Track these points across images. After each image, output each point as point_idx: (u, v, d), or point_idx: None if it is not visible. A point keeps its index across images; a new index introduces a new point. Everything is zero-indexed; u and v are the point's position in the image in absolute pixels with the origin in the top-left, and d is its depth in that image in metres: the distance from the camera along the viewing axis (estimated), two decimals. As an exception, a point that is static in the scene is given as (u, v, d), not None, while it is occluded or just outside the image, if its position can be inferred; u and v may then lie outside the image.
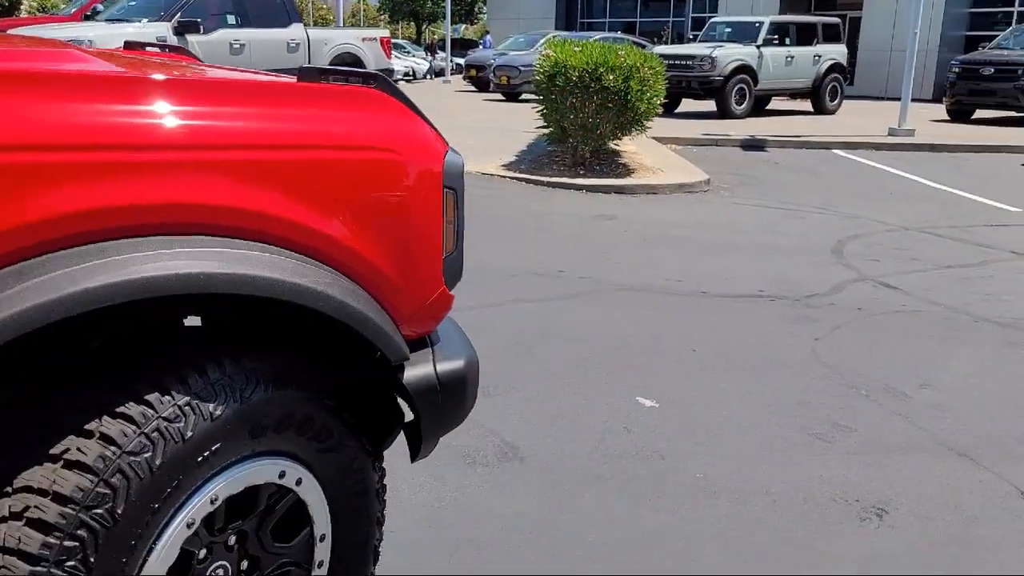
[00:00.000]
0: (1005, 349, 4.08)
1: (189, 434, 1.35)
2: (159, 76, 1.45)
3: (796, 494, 2.69)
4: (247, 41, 10.77)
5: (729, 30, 16.30)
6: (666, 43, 22.75)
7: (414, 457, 1.81)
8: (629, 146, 9.86)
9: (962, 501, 2.68)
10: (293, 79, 1.62)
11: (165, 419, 1.33)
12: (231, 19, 10.80)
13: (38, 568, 1.22)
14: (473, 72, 21.59)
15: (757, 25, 15.79)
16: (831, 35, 16.49)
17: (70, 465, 1.26)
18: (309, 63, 9.46)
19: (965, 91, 15.10)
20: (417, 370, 1.65)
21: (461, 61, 27.41)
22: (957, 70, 15.25)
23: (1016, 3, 22.05)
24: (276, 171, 1.48)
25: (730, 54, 15.02)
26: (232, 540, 1.51)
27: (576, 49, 8.20)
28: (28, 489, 1.25)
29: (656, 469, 2.81)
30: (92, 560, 1.26)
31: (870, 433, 3.13)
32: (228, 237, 1.42)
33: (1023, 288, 5.19)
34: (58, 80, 1.32)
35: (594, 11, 33.23)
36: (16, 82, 1.27)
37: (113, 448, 1.28)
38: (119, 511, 1.28)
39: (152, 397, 1.33)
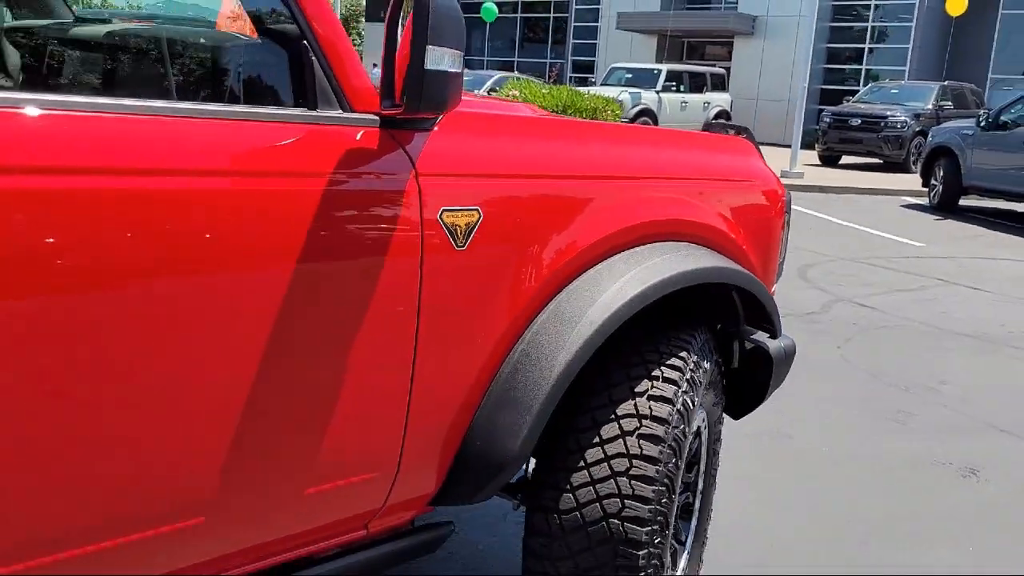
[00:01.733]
0: (984, 356, 5.01)
1: (700, 382, 1.89)
2: (652, 131, 2.00)
3: (903, 460, 3.40)
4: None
5: (629, 76, 17.49)
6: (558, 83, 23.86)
7: (739, 416, 2.38)
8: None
9: (1015, 460, 3.47)
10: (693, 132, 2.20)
11: (691, 369, 1.86)
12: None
13: (658, 467, 1.72)
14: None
15: (656, 72, 17.06)
16: (718, 84, 18.01)
17: (655, 399, 1.77)
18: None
19: (836, 139, 16.85)
20: (778, 343, 2.23)
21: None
22: (828, 120, 17.00)
23: (863, 63, 24.59)
24: (712, 194, 2.05)
25: (634, 98, 16.18)
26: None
27: (543, 91, 8.90)
28: (633, 415, 1.75)
29: (787, 444, 3.47)
30: (679, 463, 1.78)
31: (927, 417, 3.91)
32: (692, 243, 1.97)
33: (966, 307, 6.21)
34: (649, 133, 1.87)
35: (472, 50, 34.21)
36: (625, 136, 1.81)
37: (675, 387, 1.80)
38: (685, 430, 1.80)
39: (684, 354, 1.86)
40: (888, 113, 16.34)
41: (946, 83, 17.91)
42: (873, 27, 24.39)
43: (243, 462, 1.34)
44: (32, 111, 1.11)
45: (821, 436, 3.60)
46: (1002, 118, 11.10)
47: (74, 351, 1.13)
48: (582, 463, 1.73)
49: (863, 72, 24.45)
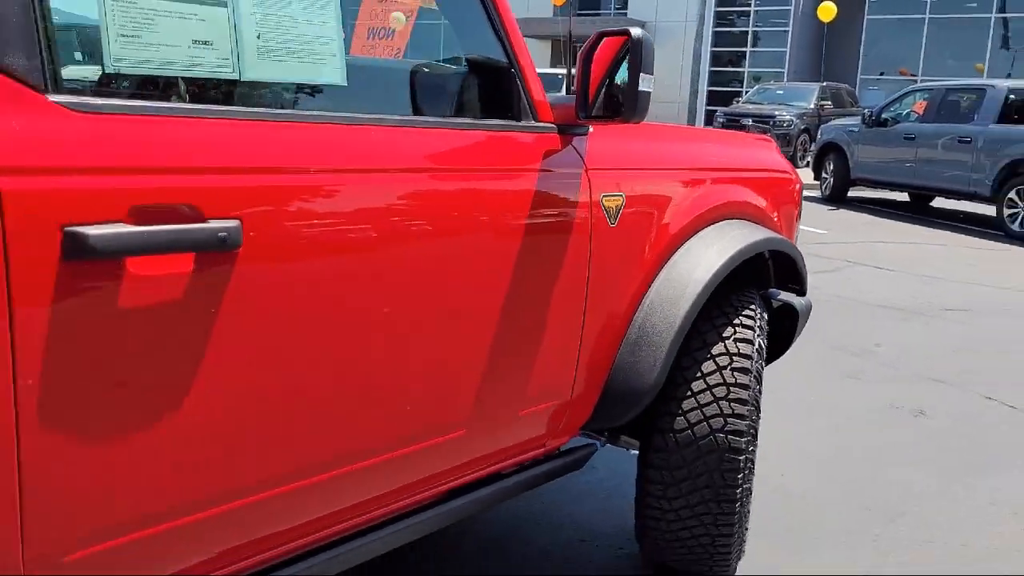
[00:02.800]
0: (905, 323, 5.76)
1: (764, 329, 2.40)
2: (721, 133, 2.51)
3: (865, 405, 4.03)
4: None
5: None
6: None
7: (767, 364, 2.91)
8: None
9: (951, 401, 4.16)
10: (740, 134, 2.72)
11: (759, 318, 2.37)
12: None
13: (748, 391, 2.21)
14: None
15: (559, 78, 17.73)
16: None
17: (740, 340, 2.27)
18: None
19: (729, 138, 17.93)
20: (802, 300, 2.76)
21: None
22: (723, 120, 18.08)
23: (745, 66, 26.05)
24: (757, 184, 2.57)
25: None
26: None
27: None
28: (724, 354, 2.24)
29: (771, 396, 4.05)
30: (760, 389, 2.29)
31: (875, 373, 4.57)
32: (748, 221, 2.49)
33: (877, 284, 7.02)
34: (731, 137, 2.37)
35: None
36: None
37: (751, 332, 2.30)
38: (762, 364, 2.31)
39: (753, 306, 2.37)
40: (776, 112, 17.52)
41: (825, 84, 19.29)
42: (753, 31, 25.88)
43: (485, 392, 1.77)
44: (370, 127, 1.52)
45: (796, 390, 4.20)
46: (883, 116, 12.22)
47: (382, 305, 1.53)
48: (689, 392, 2.21)
49: (745, 74, 25.91)
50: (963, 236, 10.26)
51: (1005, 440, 3.75)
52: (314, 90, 1.53)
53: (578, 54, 1.82)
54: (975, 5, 26.26)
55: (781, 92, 19.21)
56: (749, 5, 25.76)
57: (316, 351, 1.43)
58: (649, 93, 1.76)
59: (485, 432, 1.82)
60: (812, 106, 18.00)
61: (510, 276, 1.75)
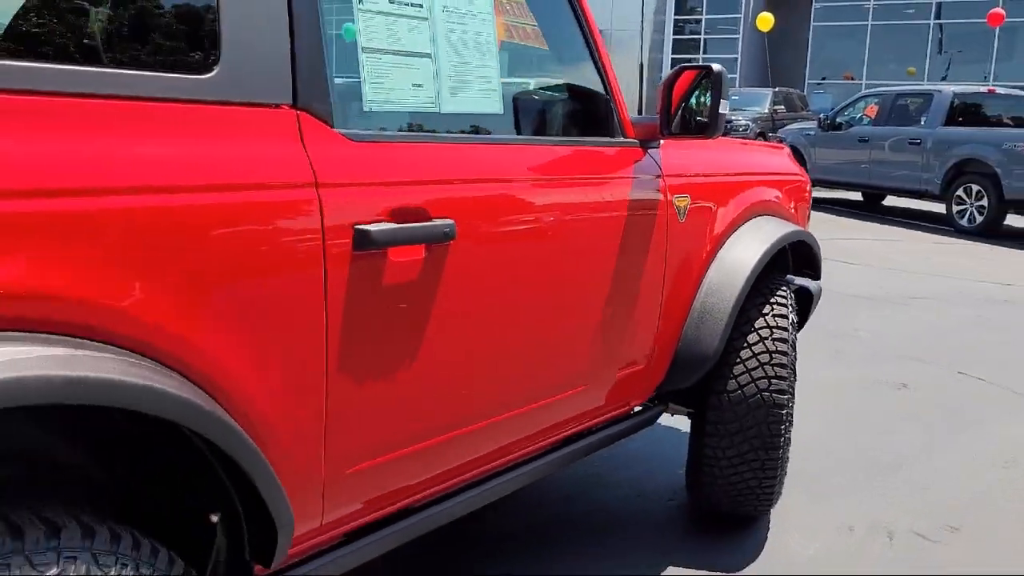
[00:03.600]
0: (878, 310, 6.32)
1: (794, 305, 2.86)
2: (755, 145, 2.97)
3: (852, 381, 4.54)
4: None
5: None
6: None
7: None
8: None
9: (927, 376, 4.69)
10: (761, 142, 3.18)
11: (791, 297, 2.82)
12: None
13: (787, 357, 2.66)
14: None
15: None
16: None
17: (778, 316, 2.72)
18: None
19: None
20: (814, 283, 3.23)
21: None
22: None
23: (700, 56, 26.82)
24: (780, 185, 3.03)
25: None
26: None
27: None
28: (766, 327, 2.69)
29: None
30: (795, 357, 2.75)
31: (857, 353, 5.10)
32: (777, 216, 2.94)
33: (847, 277, 7.59)
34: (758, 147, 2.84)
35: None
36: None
37: (786, 309, 2.76)
38: (796, 335, 2.76)
39: (784, 288, 2.82)
40: (733, 117, 18.19)
41: (777, 89, 20.06)
42: (705, 39, 26.71)
43: (597, 356, 2.21)
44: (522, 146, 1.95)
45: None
46: (838, 120, 12.92)
47: (538, 282, 1.96)
48: (739, 360, 2.66)
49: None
50: (916, 232, 10.94)
51: (978, 406, 4.29)
52: (484, 118, 1.95)
53: (660, 84, 2.27)
54: (913, 12, 27.42)
55: (736, 97, 19.90)
56: (700, 13, 26.61)
57: (499, 313, 1.86)
58: (726, 114, 2.21)
59: (596, 389, 2.26)
60: (766, 110, 18.73)
61: (614, 263, 2.19)
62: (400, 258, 1.61)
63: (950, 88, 11.92)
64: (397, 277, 1.61)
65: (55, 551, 1.11)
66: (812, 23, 26.36)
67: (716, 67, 2.20)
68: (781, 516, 3.01)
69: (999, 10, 20.74)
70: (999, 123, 11.72)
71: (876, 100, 12.73)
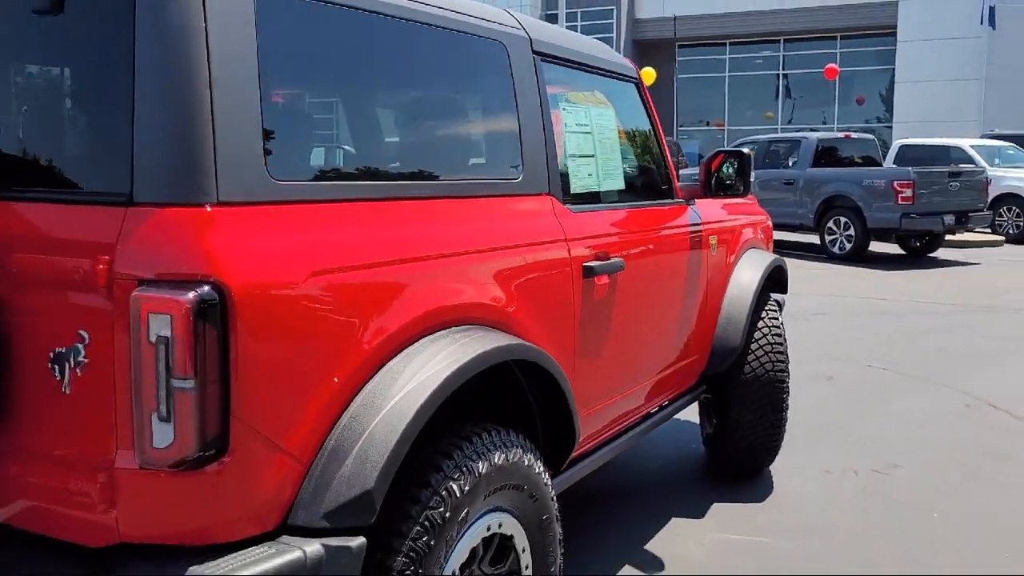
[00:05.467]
0: (790, 325, 7.62)
1: (780, 313, 4.00)
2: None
3: (792, 377, 5.75)
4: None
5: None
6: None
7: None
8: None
9: (846, 370, 5.95)
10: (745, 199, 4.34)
11: (779, 306, 3.95)
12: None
13: (783, 347, 3.77)
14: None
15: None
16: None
17: (772, 319, 3.83)
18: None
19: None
20: (783, 297, 4.37)
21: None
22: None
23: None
24: (757, 226, 4.18)
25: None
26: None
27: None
28: (766, 326, 3.79)
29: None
30: (786, 347, 3.86)
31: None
32: (762, 249, 4.08)
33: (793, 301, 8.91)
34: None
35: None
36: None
37: (778, 314, 3.88)
38: (784, 333, 3.89)
39: (773, 299, 3.95)
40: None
41: (654, 138, 21.87)
42: (580, 93, 28.49)
43: (678, 347, 3.25)
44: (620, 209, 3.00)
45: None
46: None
47: (662, 297, 3.01)
48: (752, 350, 3.74)
49: (577, 131, 28.44)
50: (798, 260, 12.55)
51: (888, 387, 5.56)
52: (618, 192, 2.97)
53: (701, 163, 3.36)
54: (761, 62, 30.25)
55: (618, 147, 21.58)
56: (574, 69, 28.51)
57: (643, 314, 2.89)
58: (752, 181, 3.31)
59: (678, 371, 3.29)
60: (647, 158, 20.45)
61: (684, 282, 3.25)
62: (601, 282, 2.60)
63: (815, 135, 13.75)
64: (600, 293, 2.61)
65: (492, 443, 2.01)
66: (677, 75, 28.68)
67: (745, 150, 3.31)
68: (776, 470, 4.10)
69: (834, 65, 23.41)
70: (853, 163, 13.60)
71: (753, 146, 14.44)
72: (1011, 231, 14.87)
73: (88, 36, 1.59)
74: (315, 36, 1.83)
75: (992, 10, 21.83)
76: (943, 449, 4.42)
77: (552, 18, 27.00)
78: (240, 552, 1.53)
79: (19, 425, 1.61)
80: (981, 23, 22.26)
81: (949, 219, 11.94)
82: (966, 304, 8.77)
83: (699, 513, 3.62)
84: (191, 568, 1.47)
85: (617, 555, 3.22)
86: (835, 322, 7.80)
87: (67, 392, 1.55)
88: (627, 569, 3.14)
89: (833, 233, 12.63)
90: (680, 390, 3.47)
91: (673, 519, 3.56)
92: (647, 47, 29.36)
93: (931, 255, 12.95)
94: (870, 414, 5.00)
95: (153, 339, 1.43)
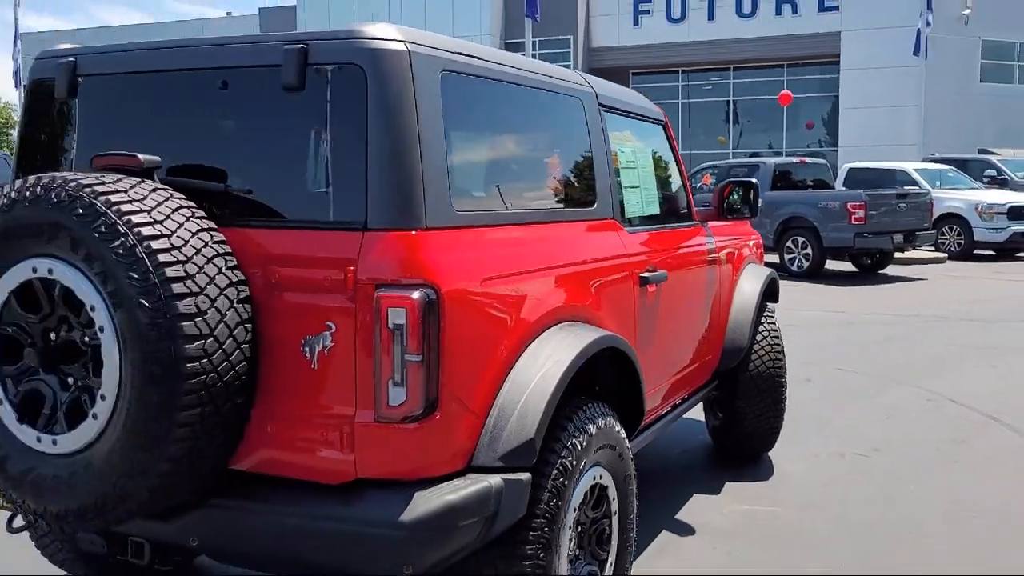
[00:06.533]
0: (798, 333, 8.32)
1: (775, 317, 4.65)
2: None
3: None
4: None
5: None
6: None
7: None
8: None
9: (821, 374, 6.63)
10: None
11: (773, 313, 4.59)
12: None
13: (781, 347, 4.40)
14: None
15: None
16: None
17: (770, 321, 4.47)
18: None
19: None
20: (775, 304, 5.01)
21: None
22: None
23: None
24: (753, 248, 4.83)
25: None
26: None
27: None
28: (766, 329, 4.42)
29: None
30: (786, 360, 4.51)
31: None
32: (757, 263, 4.73)
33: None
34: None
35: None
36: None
37: (774, 317, 4.52)
38: (781, 335, 4.53)
39: (771, 307, 4.59)
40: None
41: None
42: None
43: (699, 345, 3.86)
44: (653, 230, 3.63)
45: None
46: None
47: (690, 302, 3.62)
48: (756, 349, 4.36)
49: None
50: (760, 278, 13.33)
51: (859, 386, 6.26)
52: (655, 216, 3.58)
53: (715, 189, 3.99)
54: (711, 88, 31.42)
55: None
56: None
57: (679, 315, 3.49)
58: (760, 205, 3.94)
59: (699, 366, 3.90)
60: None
61: (704, 290, 3.86)
62: (651, 289, 3.20)
63: (772, 160, 14.61)
64: (651, 299, 3.21)
65: (595, 412, 2.58)
66: (631, 103, 29.69)
67: (753, 180, 3.95)
68: (774, 455, 4.72)
69: (788, 92, 24.54)
70: (807, 186, 14.47)
71: (712, 171, 15.26)
72: (953, 248, 15.90)
73: (327, 108, 2.13)
74: (474, 101, 2.41)
75: (925, 40, 23.10)
76: (912, 436, 5.09)
77: (513, 47, 27.80)
78: (444, 483, 2.08)
79: (270, 396, 2.14)
80: (914, 53, 23.53)
81: (898, 238, 12.83)
82: (920, 315, 9.57)
83: (715, 490, 4.23)
84: (417, 492, 2.01)
85: (652, 524, 3.80)
86: (806, 332, 8.52)
87: (315, 368, 2.08)
88: (664, 535, 3.72)
89: (792, 252, 13.44)
90: (699, 384, 4.07)
91: (694, 495, 4.15)
92: (603, 75, 30.13)
93: (881, 272, 13.84)
94: (847, 409, 5.68)
95: (391, 326, 1.98)
